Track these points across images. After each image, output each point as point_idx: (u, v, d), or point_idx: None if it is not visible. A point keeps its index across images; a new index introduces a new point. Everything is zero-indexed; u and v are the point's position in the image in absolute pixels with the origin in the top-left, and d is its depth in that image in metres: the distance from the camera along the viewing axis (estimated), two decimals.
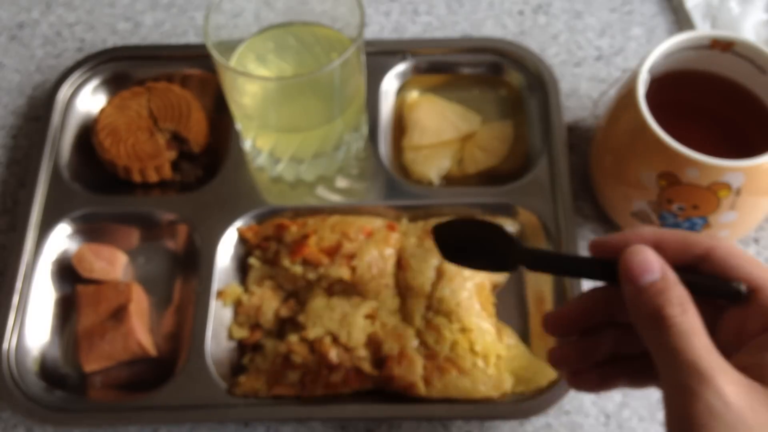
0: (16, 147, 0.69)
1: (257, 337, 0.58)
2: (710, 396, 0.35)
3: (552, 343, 0.56)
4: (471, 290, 0.57)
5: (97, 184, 0.65)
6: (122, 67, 0.70)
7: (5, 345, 0.57)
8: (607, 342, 0.44)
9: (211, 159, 0.66)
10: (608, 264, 0.41)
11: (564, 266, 0.45)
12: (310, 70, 0.58)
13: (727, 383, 0.35)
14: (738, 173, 0.52)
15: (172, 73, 0.70)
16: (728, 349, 0.38)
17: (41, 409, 0.55)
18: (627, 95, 0.56)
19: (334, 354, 0.54)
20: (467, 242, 0.50)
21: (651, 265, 0.38)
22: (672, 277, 0.38)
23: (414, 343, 0.55)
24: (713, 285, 0.40)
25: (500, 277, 0.59)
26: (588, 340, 0.44)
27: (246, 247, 0.62)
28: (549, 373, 0.55)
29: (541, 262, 0.46)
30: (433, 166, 0.65)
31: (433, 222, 0.61)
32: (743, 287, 0.39)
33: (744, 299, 0.39)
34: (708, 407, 0.35)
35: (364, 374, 0.54)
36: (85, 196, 0.64)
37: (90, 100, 0.69)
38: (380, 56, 0.68)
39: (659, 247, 0.40)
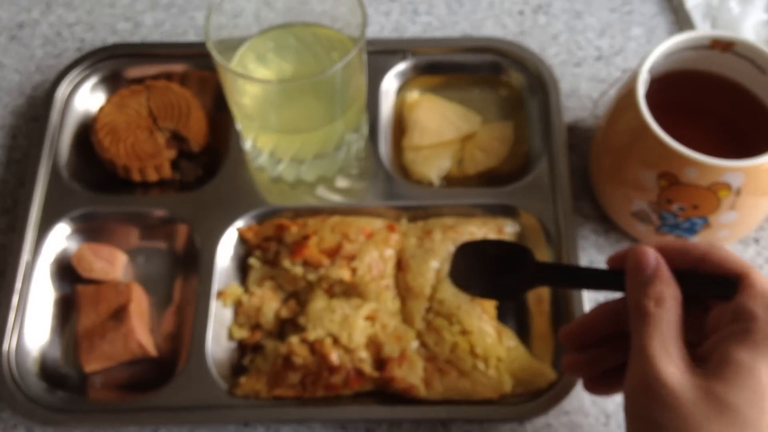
0: (16, 147, 0.69)
1: (257, 338, 0.58)
2: (650, 375, 0.40)
3: (554, 347, 0.57)
4: None
5: (97, 184, 0.65)
6: (121, 64, 0.70)
7: (5, 345, 0.57)
8: (617, 351, 0.47)
9: (211, 158, 0.66)
10: (621, 274, 0.46)
11: (584, 279, 0.49)
12: (310, 70, 0.58)
13: (667, 366, 0.40)
14: (738, 173, 0.52)
15: (171, 71, 0.70)
16: (707, 334, 0.43)
17: (41, 410, 0.55)
18: (627, 95, 0.56)
19: (334, 355, 0.54)
20: (482, 261, 0.53)
21: (649, 261, 0.43)
22: (662, 273, 0.43)
23: (414, 344, 0.55)
24: (710, 279, 0.44)
25: None
26: (600, 350, 0.47)
27: (246, 248, 0.62)
28: (549, 375, 0.55)
29: (562, 276, 0.51)
30: (433, 167, 0.65)
31: (433, 222, 0.61)
32: (734, 278, 0.43)
33: (735, 291, 0.43)
34: (646, 384, 0.40)
35: (365, 376, 0.54)
36: (85, 195, 0.63)
37: (89, 98, 0.69)
38: (380, 56, 0.68)
39: (661, 252, 0.44)
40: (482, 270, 0.53)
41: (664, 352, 0.40)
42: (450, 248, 0.58)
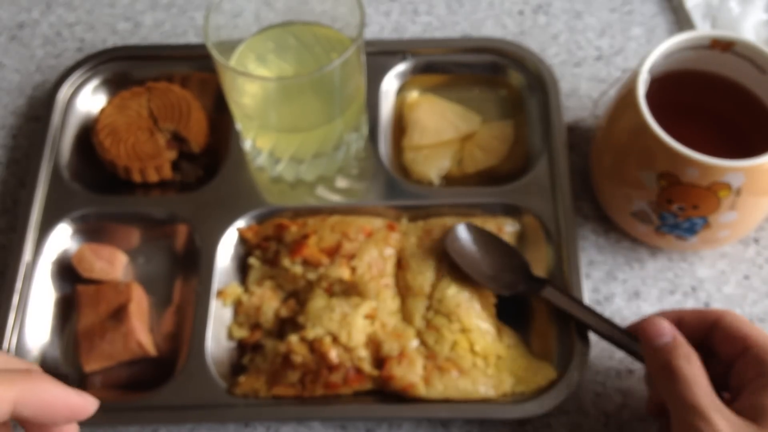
0: (16, 147, 0.69)
1: (257, 337, 0.58)
2: (708, 430, 0.43)
3: (554, 346, 0.56)
4: (471, 290, 0.57)
5: (97, 184, 0.65)
6: (122, 67, 0.70)
7: (5, 345, 0.57)
8: None
9: (211, 159, 0.66)
10: (625, 333, 0.53)
11: (585, 318, 0.54)
12: (310, 70, 0.58)
13: (720, 420, 0.43)
14: (738, 173, 0.52)
15: (172, 73, 0.70)
16: (736, 391, 0.47)
17: None
18: (627, 95, 0.56)
19: (334, 354, 0.54)
20: (483, 247, 0.58)
21: (664, 329, 0.49)
22: (680, 339, 0.48)
23: (414, 343, 0.55)
24: None
25: None
26: None
27: (246, 247, 0.62)
28: (549, 373, 0.55)
29: (563, 302, 0.55)
30: (433, 166, 0.65)
31: (433, 222, 0.61)
32: None
33: None
34: None
35: (364, 374, 0.54)
36: (85, 196, 0.64)
37: (90, 100, 0.69)
38: (380, 56, 0.68)
39: (681, 321, 0.50)
40: (479, 253, 0.57)
41: (715, 408, 0.44)
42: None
